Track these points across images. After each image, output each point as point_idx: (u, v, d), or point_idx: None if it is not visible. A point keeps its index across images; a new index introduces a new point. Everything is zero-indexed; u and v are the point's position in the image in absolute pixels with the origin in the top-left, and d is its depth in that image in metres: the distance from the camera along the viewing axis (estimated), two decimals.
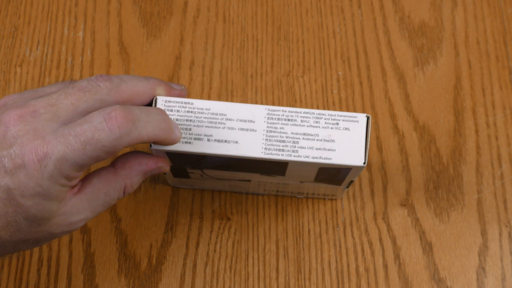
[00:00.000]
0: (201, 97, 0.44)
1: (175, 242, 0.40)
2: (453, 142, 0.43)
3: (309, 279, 0.39)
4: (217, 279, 0.39)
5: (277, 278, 0.39)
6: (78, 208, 0.28)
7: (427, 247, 0.40)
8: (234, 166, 0.33)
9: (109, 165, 0.31)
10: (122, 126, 0.26)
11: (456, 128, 0.43)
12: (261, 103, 0.44)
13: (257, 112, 0.31)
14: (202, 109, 0.31)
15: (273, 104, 0.44)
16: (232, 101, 0.44)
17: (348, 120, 0.31)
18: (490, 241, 0.40)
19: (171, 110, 0.31)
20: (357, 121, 0.31)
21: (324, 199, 0.41)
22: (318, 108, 0.44)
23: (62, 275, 0.39)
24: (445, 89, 0.45)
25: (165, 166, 0.32)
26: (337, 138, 0.31)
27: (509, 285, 0.39)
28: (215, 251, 0.40)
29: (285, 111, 0.31)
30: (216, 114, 0.31)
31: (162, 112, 0.29)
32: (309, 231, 0.40)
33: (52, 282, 0.39)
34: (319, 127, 0.31)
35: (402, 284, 0.39)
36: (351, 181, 0.35)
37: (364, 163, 0.31)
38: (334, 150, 0.31)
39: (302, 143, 0.31)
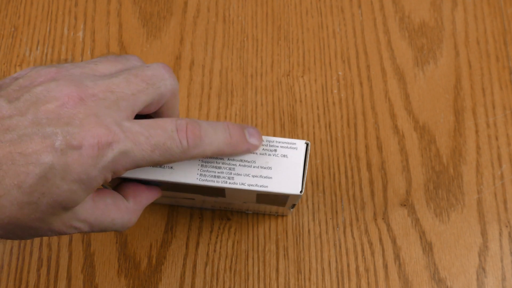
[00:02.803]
0: (201, 97, 0.44)
1: (175, 242, 0.40)
2: (453, 142, 0.43)
3: (309, 279, 0.39)
4: (217, 279, 0.39)
5: (277, 278, 0.39)
6: (86, 216, 0.27)
7: (427, 247, 0.40)
8: (172, 188, 0.32)
9: (119, 192, 0.30)
10: (191, 140, 0.26)
11: (456, 128, 0.43)
12: (261, 103, 0.44)
13: None
14: None
15: (273, 105, 0.44)
16: (232, 101, 0.44)
17: (287, 147, 0.30)
18: (490, 241, 0.40)
19: None
20: (296, 148, 0.30)
21: (275, 215, 0.41)
22: (318, 108, 0.44)
23: (62, 275, 0.39)
24: (445, 89, 0.45)
25: (161, 192, 0.32)
26: (274, 165, 0.30)
27: (509, 285, 0.39)
28: (215, 251, 0.40)
29: None
30: None
31: (231, 126, 0.29)
32: (309, 231, 0.40)
33: (52, 282, 0.39)
34: (256, 153, 0.30)
35: (402, 284, 0.39)
36: (294, 204, 0.35)
37: (300, 191, 0.30)
38: (270, 177, 0.30)
39: (238, 169, 0.30)
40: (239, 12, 0.47)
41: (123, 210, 0.29)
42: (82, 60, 0.45)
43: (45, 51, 0.45)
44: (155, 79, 0.27)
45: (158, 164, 0.27)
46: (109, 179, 0.26)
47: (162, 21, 0.46)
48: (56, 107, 0.24)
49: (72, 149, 0.24)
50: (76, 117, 0.24)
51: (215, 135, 0.28)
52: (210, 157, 0.29)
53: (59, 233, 0.27)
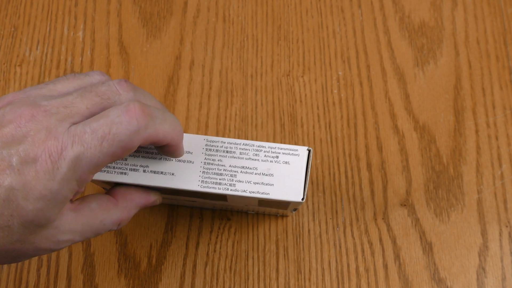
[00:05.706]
0: (201, 97, 0.44)
1: (175, 242, 0.40)
2: (453, 142, 0.43)
3: (309, 279, 0.39)
4: (217, 279, 0.39)
5: (277, 278, 0.39)
6: (71, 227, 0.27)
7: (427, 247, 0.40)
8: (173, 193, 0.32)
9: (107, 194, 0.30)
10: (140, 119, 0.25)
11: (456, 128, 0.43)
12: (261, 103, 0.44)
13: (196, 143, 0.30)
14: None
15: (273, 105, 0.44)
16: (232, 101, 0.44)
17: (288, 154, 0.30)
18: (490, 241, 0.40)
19: None
20: (298, 155, 0.30)
21: (275, 216, 0.41)
22: (318, 108, 0.44)
23: (62, 275, 0.39)
24: (445, 89, 0.45)
25: (160, 198, 0.32)
26: (276, 172, 0.30)
27: (509, 285, 0.39)
28: (215, 251, 0.40)
29: (224, 142, 0.30)
30: None
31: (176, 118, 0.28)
32: (309, 231, 0.40)
33: (52, 282, 0.39)
34: (258, 160, 0.30)
35: (402, 284, 0.39)
36: (295, 208, 0.35)
37: (302, 199, 0.29)
38: (272, 184, 0.29)
39: (240, 176, 0.30)
40: (239, 12, 0.47)
41: (111, 209, 0.29)
42: (81, 61, 0.45)
43: (45, 51, 0.45)
44: (109, 94, 0.27)
45: (117, 157, 0.26)
46: (80, 189, 0.26)
47: (162, 21, 0.46)
48: (11, 130, 0.25)
49: (28, 167, 0.24)
50: (28, 135, 0.24)
51: (164, 117, 0.27)
52: (160, 143, 0.27)
53: (49, 251, 0.27)
